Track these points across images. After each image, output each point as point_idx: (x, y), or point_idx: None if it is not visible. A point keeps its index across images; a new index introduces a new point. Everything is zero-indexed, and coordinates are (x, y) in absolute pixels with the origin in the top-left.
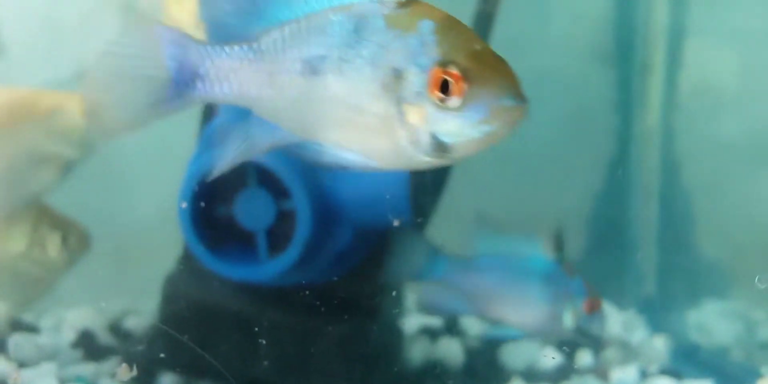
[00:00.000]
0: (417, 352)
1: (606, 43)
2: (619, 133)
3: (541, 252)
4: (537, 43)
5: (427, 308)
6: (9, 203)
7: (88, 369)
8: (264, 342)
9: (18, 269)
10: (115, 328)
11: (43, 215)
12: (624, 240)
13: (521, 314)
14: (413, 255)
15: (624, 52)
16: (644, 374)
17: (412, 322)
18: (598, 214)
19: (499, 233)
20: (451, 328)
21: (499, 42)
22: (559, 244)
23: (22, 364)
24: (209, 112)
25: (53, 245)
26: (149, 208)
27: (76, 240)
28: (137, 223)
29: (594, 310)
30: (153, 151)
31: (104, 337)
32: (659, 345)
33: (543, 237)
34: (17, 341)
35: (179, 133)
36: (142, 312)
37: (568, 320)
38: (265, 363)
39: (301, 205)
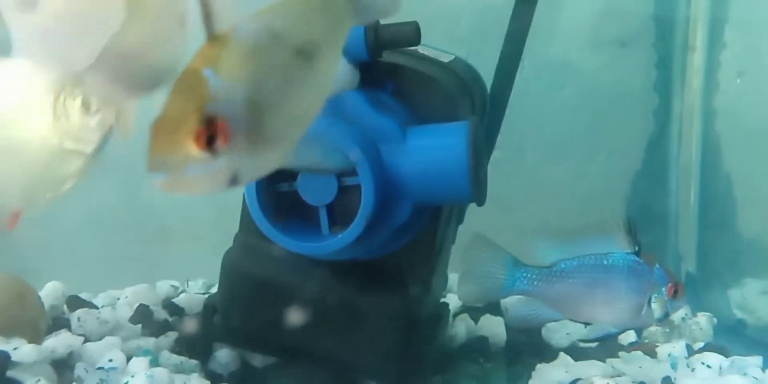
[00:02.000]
0: (461, 329)
1: (646, 23)
2: (658, 113)
3: (618, 247)
4: (574, 23)
5: (519, 324)
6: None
7: (148, 343)
8: (318, 315)
9: (50, 144)
10: (169, 305)
11: (63, 83)
12: (664, 219)
13: (612, 312)
14: (493, 268)
15: (664, 32)
16: (691, 351)
17: (454, 298)
18: (638, 193)
19: (569, 237)
20: (494, 305)
21: (537, 27)
22: (634, 237)
23: (86, 339)
24: None
25: (80, 111)
26: None
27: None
28: (183, 203)
29: (678, 294)
30: None
31: (159, 313)
32: (703, 323)
33: (616, 232)
34: (80, 316)
35: None
36: (192, 289)
37: (657, 309)
38: (319, 336)
39: (365, 180)
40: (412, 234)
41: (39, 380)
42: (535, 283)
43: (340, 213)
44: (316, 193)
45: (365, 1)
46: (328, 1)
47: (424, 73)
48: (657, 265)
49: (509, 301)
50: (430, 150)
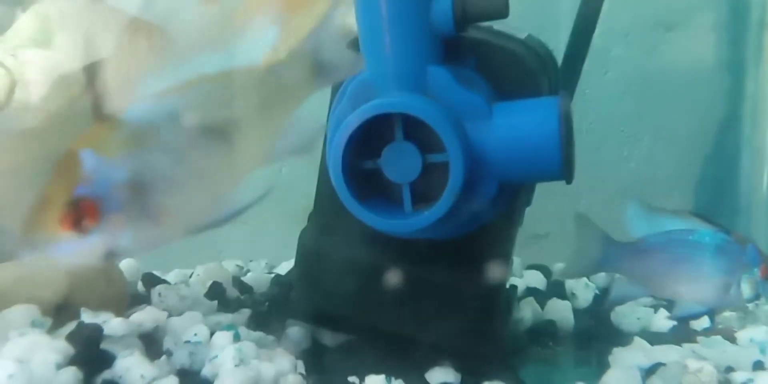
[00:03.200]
0: (527, 313)
1: (701, 5)
2: (730, 92)
3: (705, 226)
4: (618, 6)
5: (614, 301)
6: None
7: (227, 319)
8: (396, 295)
9: None
10: (239, 283)
11: None
12: (735, 203)
13: (699, 290)
14: (590, 245)
15: (738, 9)
16: None
17: (518, 282)
18: (708, 176)
19: (658, 212)
20: (558, 290)
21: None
22: (713, 222)
23: (170, 314)
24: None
25: None
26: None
27: None
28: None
29: None
30: None
31: (231, 291)
32: None
33: (695, 219)
34: (161, 292)
35: None
36: (256, 270)
37: (747, 290)
38: (396, 316)
39: (454, 157)
40: (492, 214)
41: (132, 353)
42: (625, 259)
43: (420, 191)
44: (400, 171)
45: (330, 66)
46: (275, 71)
47: (507, 48)
48: (751, 245)
49: (576, 286)
50: (520, 126)
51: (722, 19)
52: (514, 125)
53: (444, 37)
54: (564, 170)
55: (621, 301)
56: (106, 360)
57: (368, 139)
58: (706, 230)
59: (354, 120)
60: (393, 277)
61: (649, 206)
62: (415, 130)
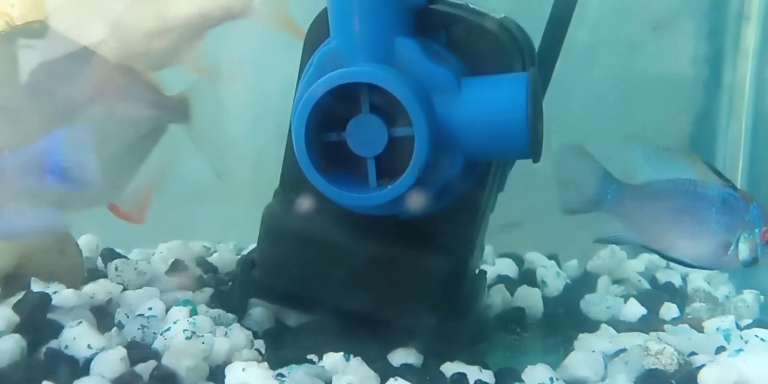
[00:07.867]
0: (496, 299)
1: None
2: (708, 83)
3: (712, 177)
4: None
5: (604, 239)
6: None
7: (186, 296)
8: (359, 273)
9: None
10: (203, 263)
11: None
12: None
13: (694, 244)
14: (587, 181)
15: (717, 1)
16: (739, 327)
17: (490, 269)
18: None
19: (665, 155)
20: (529, 278)
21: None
22: (721, 176)
23: (125, 288)
24: (316, 37)
25: None
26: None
27: None
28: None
29: None
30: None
31: (194, 270)
32: (750, 300)
33: (706, 168)
34: (117, 266)
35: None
36: (224, 251)
37: (745, 251)
38: (358, 294)
39: (419, 129)
40: (457, 194)
41: (81, 322)
42: (625, 200)
43: (386, 167)
44: (366, 144)
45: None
46: None
47: (479, 24)
48: (755, 203)
49: (547, 274)
50: (488, 101)
51: (701, 12)
52: (482, 100)
53: (414, 8)
54: (531, 148)
55: (612, 242)
56: (53, 329)
57: (334, 112)
58: (713, 183)
59: (318, 89)
60: (357, 256)
61: (658, 147)
62: (381, 104)
